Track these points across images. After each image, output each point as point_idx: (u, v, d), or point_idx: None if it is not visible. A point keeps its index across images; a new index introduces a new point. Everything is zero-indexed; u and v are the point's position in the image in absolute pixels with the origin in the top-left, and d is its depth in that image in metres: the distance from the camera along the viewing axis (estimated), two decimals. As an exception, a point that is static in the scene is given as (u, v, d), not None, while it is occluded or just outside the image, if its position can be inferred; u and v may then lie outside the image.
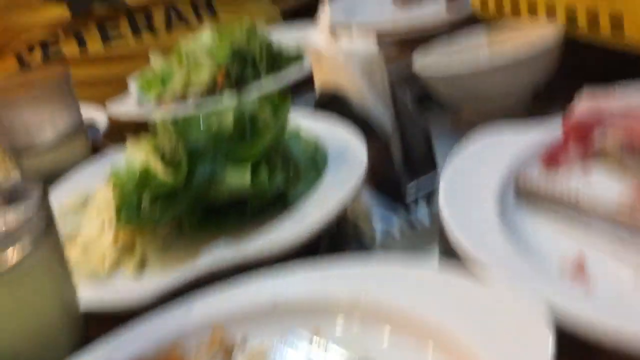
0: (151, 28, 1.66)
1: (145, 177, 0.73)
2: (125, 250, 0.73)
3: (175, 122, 0.76)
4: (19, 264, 0.49)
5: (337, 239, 0.77)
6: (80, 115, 1.03)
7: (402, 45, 1.24)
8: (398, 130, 0.81)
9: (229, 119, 0.76)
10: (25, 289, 0.51)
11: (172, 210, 0.70)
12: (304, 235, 0.67)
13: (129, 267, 0.71)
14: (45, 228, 0.52)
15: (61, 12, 1.58)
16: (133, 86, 1.35)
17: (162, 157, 0.75)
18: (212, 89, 1.28)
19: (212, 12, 1.75)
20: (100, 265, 0.71)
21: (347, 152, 0.80)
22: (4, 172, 1.07)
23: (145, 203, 0.72)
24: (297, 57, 1.31)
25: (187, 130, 0.74)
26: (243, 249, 0.68)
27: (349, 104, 0.84)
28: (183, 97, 1.28)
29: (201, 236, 0.73)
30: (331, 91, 0.86)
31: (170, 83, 1.33)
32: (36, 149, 0.99)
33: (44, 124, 0.99)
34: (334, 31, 0.85)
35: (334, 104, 0.86)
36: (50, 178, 0.95)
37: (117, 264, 0.72)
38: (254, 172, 0.71)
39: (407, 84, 0.92)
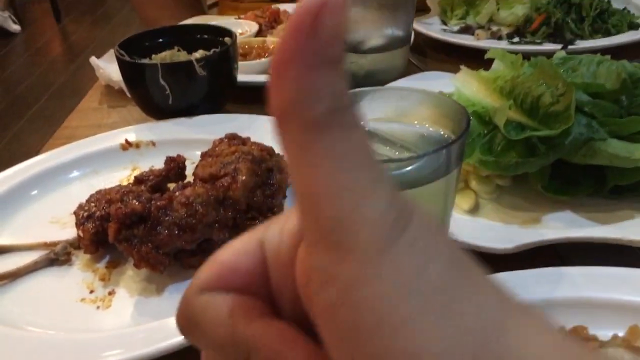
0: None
1: (497, 116, 0.65)
2: (459, 187, 0.67)
3: (560, 65, 0.67)
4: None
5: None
6: (409, 28, 0.97)
7: None
8: None
9: (612, 78, 0.66)
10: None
11: (536, 161, 0.62)
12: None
13: (462, 206, 0.65)
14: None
15: None
16: (434, 5, 1.27)
17: (515, 99, 0.67)
18: (522, 29, 1.16)
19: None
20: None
21: None
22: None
23: (497, 146, 0.65)
24: (632, 20, 1.14)
25: (574, 77, 0.64)
26: (603, 231, 0.59)
27: None
28: (487, 28, 1.18)
29: (541, 198, 0.65)
30: None
31: (475, 8, 1.23)
32: (362, 49, 0.95)
33: (376, 30, 0.94)
34: None
35: None
36: (367, 80, 0.91)
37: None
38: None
39: None
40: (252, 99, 0.98)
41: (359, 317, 0.17)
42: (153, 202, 0.59)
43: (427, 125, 0.53)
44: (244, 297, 0.22)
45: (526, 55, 0.74)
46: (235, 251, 0.23)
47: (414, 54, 1.08)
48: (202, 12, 1.59)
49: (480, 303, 0.18)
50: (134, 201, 0.59)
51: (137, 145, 0.83)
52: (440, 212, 0.51)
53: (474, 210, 0.66)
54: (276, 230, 0.23)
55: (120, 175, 0.80)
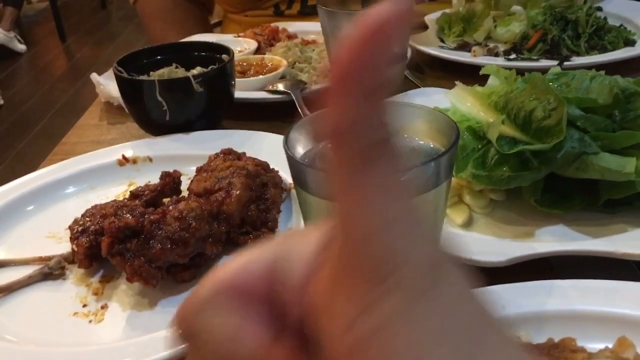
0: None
1: (490, 131, 0.66)
2: (452, 201, 0.68)
3: (554, 81, 0.67)
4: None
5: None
6: (405, 45, 0.98)
7: None
8: None
9: (604, 93, 0.66)
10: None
11: (528, 175, 0.62)
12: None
13: (456, 220, 0.66)
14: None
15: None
16: (432, 23, 1.28)
17: (509, 114, 0.68)
18: (518, 46, 1.17)
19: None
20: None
21: None
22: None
23: (490, 160, 0.65)
24: (627, 37, 1.15)
25: (567, 92, 0.65)
26: (596, 244, 0.59)
27: None
28: (484, 45, 1.19)
29: (534, 212, 0.66)
30: None
31: (472, 25, 1.24)
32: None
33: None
34: None
35: None
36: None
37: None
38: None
39: None
40: (249, 116, 0.99)
41: (393, 351, 0.17)
42: (146, 216, 0.60)
43: (416, 139, 0.54)
44: (252, 314, 0.22)
45: (522, 72, 0.75)
46: (244, 267, 0.23)
47: (411, 70, 1.09)
48: (210, 29, 1.60)
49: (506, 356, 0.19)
50: (128, 215, 0.60)
51: (134, 161, 0.84)
52: (430, 224, 0.51)
53: (468, 224, 0.66)
54: (290, 248, 0.23)
55: (117, 191, 0.80)
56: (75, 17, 5.47)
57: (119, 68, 0.89)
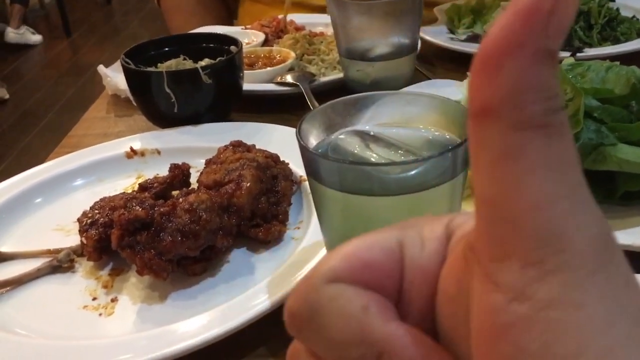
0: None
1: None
2: (466, 194, 0.66)
3: (569, 71, 0.66)
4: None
5: None
6: (416, 36, 0.97)
7: None
8: None
9: (621, 83, 0.65)
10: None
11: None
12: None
13: (469, 213, 0.65)
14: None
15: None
16: (442, 15, 1.27)
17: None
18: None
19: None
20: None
21: None
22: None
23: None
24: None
25: (583, 83, 0.64)
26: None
27: None
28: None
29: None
30: None
31: (482, 17, 1.23)
32: (369, 57, 0.95)
33: (383, 38, 0.94)
34: None
35: None
36: (374, 87, 0.91)
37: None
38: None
39: None
40: (257, 108, 0.98)
41: (553, 342, 0.16)
42: (156, 208, 0.59)
43: (432, 130, 0.53)
44: (379, 296, 0.21)
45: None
46: (369, 246, 0.21)
47: (421, 62, 1.08)
48: (230, 21, 1.58)
49: None
50: (137, 207, 0.59)
51: (142, 154, 0.83)
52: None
53: (482, 217, 0.65)
54: (416, 234, 0.21)
55: (125, 183, 0.79)
56: (80, 12, 5.46)
57: (127, 60, 0.89)
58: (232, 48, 0.92)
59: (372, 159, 0.51)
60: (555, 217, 0.16)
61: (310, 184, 0.54)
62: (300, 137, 0.50)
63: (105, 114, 1.06)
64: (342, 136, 0.56)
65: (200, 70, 0.85)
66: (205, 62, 0.91)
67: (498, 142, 0.17)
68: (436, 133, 0.53)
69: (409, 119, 0.55)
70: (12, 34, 4.61)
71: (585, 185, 0.17)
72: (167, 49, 0.95)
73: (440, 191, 0.48)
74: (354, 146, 0.54)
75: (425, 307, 0.21)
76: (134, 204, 0.60)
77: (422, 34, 1.14)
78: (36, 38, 4.74)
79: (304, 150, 0.50)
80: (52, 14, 5.22)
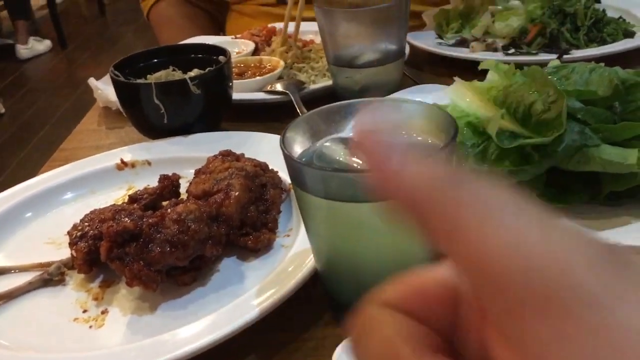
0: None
1: (490, 126, 0.65)
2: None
3: (553, 74, 0.67)
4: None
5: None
6: (403, 42, 0.97)
7: None
8: None
9: (604, 84, 0.65)
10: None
11: (529, 169, 0.62)
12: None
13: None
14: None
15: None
16: (430, 20, 1.27)
17: (508, 108, 0.67)
18: (517, 40, 1.16)
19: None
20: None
21: None
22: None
23: (491, 155, 0.65)
24: (627, 28, 1.14)
25: (567, 85, 0.64)
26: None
27: None
28: (483, 40, 1.18)
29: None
30: None
31: (470, 21, 1.24)
32: (357, 64, 0.96)
33: (370, 44, 0.95)
34: None
35: None
36: (362, 94, 0.91)
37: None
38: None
39: None
40: (247, 117, 0.98)
41: None
42: (145, 219, 0.59)
43: (415, 135, 0.53)
44: (418, 326, 0.21)
45: (522, 67, 0.74)
46: (427, 276, 0.22)
47: (410, 67, 1.08)
48: (217, 34, 1.59)
49: None
50: (126, 219, 0.59)
51: (133, 165, 0.84)
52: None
53: (469, 220, 0.65)
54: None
55: (116, 195, 0.80)
56: (74, 25, 5.47)
57: (116, 72, 0.89)
58: (221, 58, 0.93)
59: (356, 166, 0.51)
60: (552, 266, 0.17)
61: (295, 192, 0.54)
62: (284, 145, 0.51)
63: (97, 126, 1.06)
64: (327, 144, 0.56)
65: (189, 81, 0.86)
66: (194, 72, 0.92)
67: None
68: (419, 138, 0.53)
69: (393, 125, 0.55)
70: (23, 51, 4.64)
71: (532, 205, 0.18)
72: (156, 60, 0.96)
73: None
74: (339, 153, 0.55)
75: (480, 342, 0.20)
76: (122, 216, 0.61)
77: (410, 40, 1.15)
78: (45, 45, 4.77)
79: (288, 158, 0.50)
80: (47, 27, 5.23)
